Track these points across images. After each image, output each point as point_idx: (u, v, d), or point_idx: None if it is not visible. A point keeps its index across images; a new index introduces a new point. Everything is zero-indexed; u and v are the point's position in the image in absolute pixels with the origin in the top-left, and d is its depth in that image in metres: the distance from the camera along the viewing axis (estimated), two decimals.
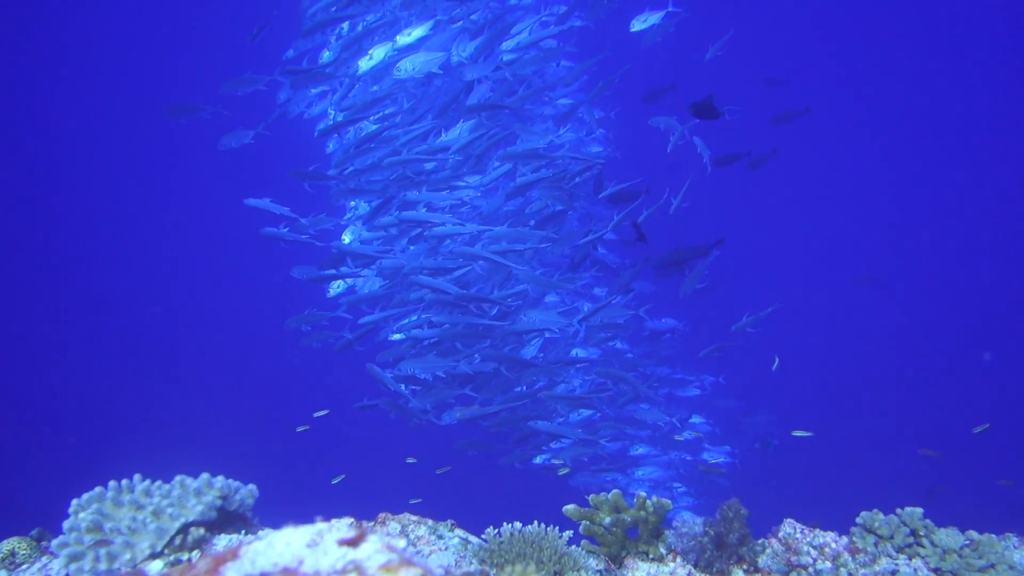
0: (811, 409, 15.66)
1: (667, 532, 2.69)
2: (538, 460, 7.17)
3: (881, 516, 2.63)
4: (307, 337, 6.93)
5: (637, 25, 6.79)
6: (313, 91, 6.99)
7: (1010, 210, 22.31)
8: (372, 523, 2.40)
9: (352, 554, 0.88)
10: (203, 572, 0.92)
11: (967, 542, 2.60)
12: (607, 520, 2.61)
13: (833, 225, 24.86)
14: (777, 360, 5.68)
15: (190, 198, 23.39)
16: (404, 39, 6.15)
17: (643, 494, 2.64)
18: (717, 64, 6.95)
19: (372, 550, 0.88)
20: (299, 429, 5.97)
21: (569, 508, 2.70)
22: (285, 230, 6.57)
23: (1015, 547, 2.95)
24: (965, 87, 23.32)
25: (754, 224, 22.35)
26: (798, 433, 5.53)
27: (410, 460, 6.33)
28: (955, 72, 23.07)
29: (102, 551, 2.22)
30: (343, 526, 0.91)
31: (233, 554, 0.93)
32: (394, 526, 2.36)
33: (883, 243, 24.27)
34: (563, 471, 6.12)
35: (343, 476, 5.41)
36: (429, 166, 6.20)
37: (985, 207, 23.77)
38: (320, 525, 0.94)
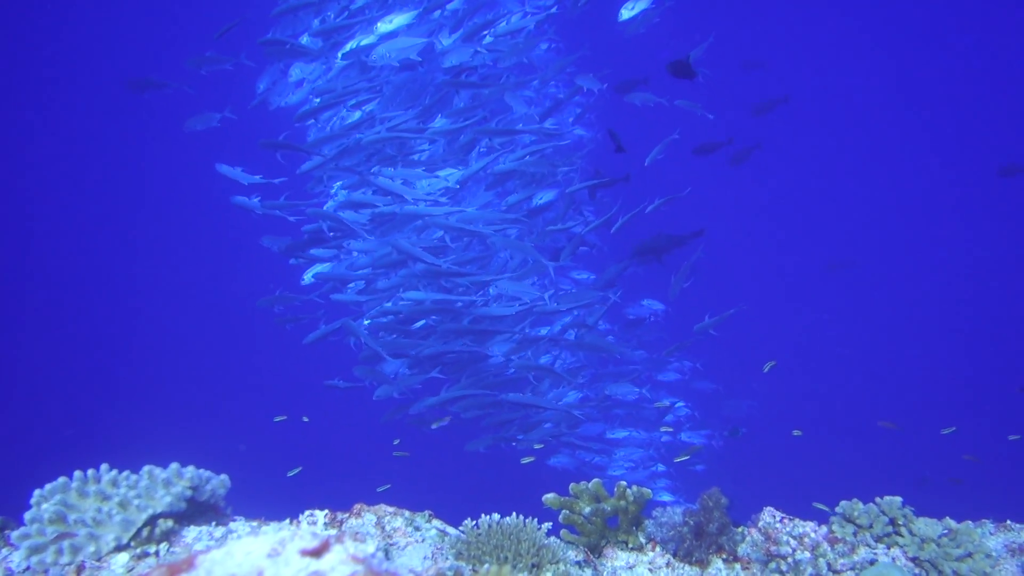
0: (790, 392, 15.80)
1: (647, 521, 2.66)
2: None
3: (861, 505, 2.62)
4: (280, 317, 6.84)
5: (626, 13, 6.72)
6: (292, 78, 6.85)
7: (990, 200, 22.52)
8: (347, 514, 2.35)
9: (315, 565, 0.82)
10: None
11: (945, 531, 2.60)
12: (587, 510, 2.58)
13: (810, 211, 25.00)
14: (771, 363, 5.70)
15: (154, 179, 22.94)
16: (385, 26, 6.06)
17: (623, 483, 2.61)
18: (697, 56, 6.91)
19: (336, 561, 0.82)
20: (276, 419, 5.88)
21: (549, 497, 2.67)
22: (256, 200, 6.41)
23: (991, 533, 2.96)
24: (940, 77, 23.46)
25: (732, 209, 22.40)
26: (797, 433, 5.54)
27: (397, 441, 6.26)
28: (929, 62, 23.19)
29: (65, 543, 2.15)
30: (307, 534, 0.85)
31: (188, 563, 0.87)
32: (370, 517, 2.30)
33: (860, 230, 24.45)
34: (527, 460, 6.09)
35: (300, 469, 5.32)
36: (423, 146, 6.12)
37: (967, 197, 23.98)
38: (283, 533, 0.88)
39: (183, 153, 18.48)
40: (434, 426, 5.73)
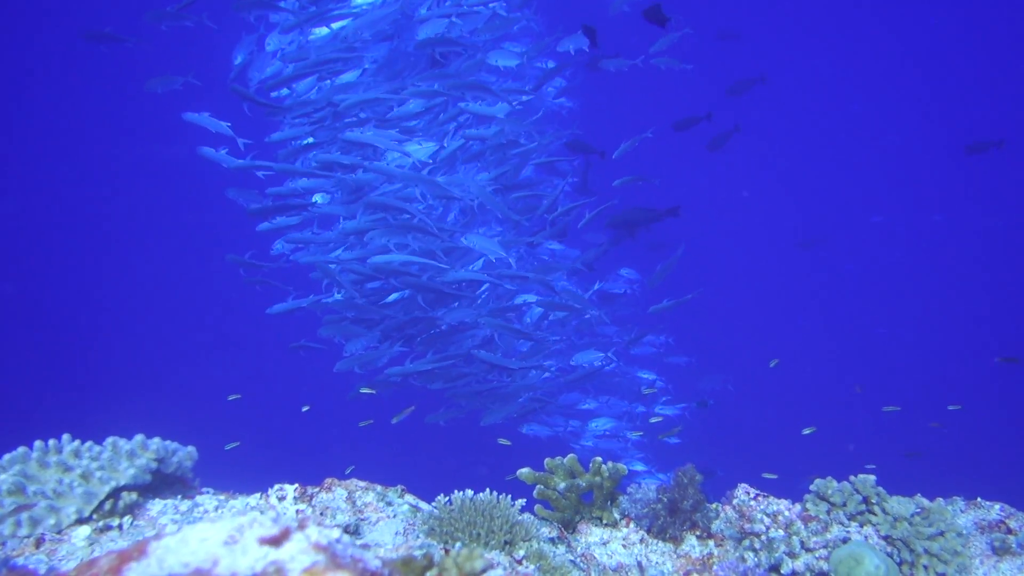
0: (766, 367, 15.91)
1: (621, 497, 2.65)
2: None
3: (835, 483, 2.62)
4: (248, 277, 6.63)
5: None
6: (270, 47, 6.60)
7: (967, 176, 22.68)
8: (318, 489, 2.30)
9: (274, 554, 0.77)
10: (104, 571, 0.80)
11: (918, 509, 2.61)
12: (562, 485, 2.55)
13: (783, 188, 25.07)
14: (775, 361, 5.74)
15: (98, 150, 22.21)
16: None
17: (599, 459, 2.59)
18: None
19: (296, 550, 0.77)
20: (231, 398, 5.74)
21: (523, 472, 2.64)
22: (224, 152, 6.08)
23: (962, 511, 2.99)
24: (919, 54, 23.50)
25: (705, 185, 22.37)
26: (808, 431, 5.55)
27: (399, 418, 6.13)
28: (908, 40, 23.19)
29: (24, 515, 2.08)
30: (267, 520, 0.80)
31: (140, 551, 0.82)
32: (340, 492, 2.26)
33: (833, 206, 24.59)
34: (504, 441, 6.06)
35: (237, 443, 5.16)
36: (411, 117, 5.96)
37: (942, 175, 24.15)
38: (241, 519, 0.82)
39: (142, 116, 17.98)
40: (395, 420, 5.54)
